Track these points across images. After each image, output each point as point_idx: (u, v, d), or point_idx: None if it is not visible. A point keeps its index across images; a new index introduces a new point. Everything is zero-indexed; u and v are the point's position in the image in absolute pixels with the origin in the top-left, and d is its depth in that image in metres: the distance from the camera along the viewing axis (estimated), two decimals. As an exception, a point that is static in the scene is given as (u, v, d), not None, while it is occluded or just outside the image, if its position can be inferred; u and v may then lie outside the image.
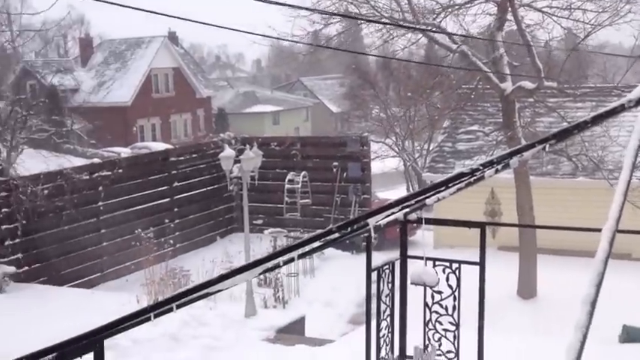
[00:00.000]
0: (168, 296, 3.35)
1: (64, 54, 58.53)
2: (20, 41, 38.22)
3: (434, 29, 13.13)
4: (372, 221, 3.23)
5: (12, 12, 40.80)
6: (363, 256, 4.09)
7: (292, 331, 10.89)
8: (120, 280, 14.98)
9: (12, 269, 12.90)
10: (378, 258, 4.21)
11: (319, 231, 3.12)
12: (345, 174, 18.00)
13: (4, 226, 13.27)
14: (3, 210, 13.25)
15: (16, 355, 3.07)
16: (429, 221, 4.33)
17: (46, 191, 13.86)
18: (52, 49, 57.92)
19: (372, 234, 3.21)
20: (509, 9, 12.66)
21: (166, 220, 16.79)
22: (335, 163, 18.07)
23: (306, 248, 3.02)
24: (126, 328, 3.90)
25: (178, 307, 3.26)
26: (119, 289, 13.86)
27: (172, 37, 50.40)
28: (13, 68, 41.63)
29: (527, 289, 13.26)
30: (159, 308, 3.98)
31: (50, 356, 3.81)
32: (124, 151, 33.57)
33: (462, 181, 3.54)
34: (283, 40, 13.56)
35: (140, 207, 16.22)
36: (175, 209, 17.23)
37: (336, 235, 3.13)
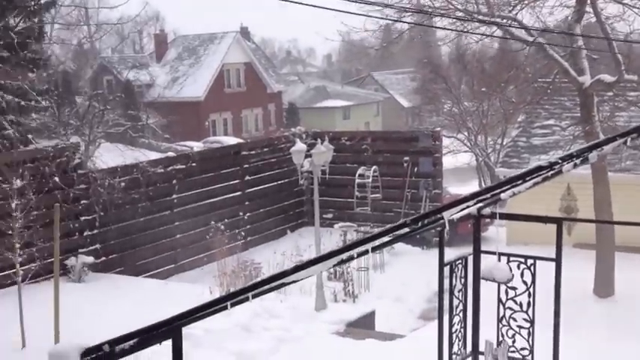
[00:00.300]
0: (245, 286, 3.38)
1: (139, 50, 59.98)
2: (97, 37, 39.48)
3: (508, 22, 12.86)
4: (446, 215, 3.19)
5: (89, 8, 42.10)
6: (434, 252, 4.05)
7: (362, 326, 10.89)
8: (193, 272, 15.27)
9: (90, 259, 13.32)
10: (450, 253, 4.16)
11: (393, 224, 3.10)
12: (416, 169, 17.87)
13: (83, 218, 13.70)
14: (82, 202, 13.67)
15: (97, 340, 3.16)
16: (503, 216, 4.24)
17: (122, 184, 14.24)
18: (127, 45, 59.42)
19: (447, 227, 3.17)
20: (589, 1, 12.30)
21: (238, 214, 17.02)
22: (406, 158, 17.95)
23: (381, 241, 3.01)
24: (203, 317, 3.97)
25: (254, 296, 3.30)
26: (192, 280, 14.13)
27: (244, 33, 51.02)
28: (91, 64, 42.93)
29: (604, 287, 12.88)
30: (235, 297, 4.03)
31: (132, 342, 3.92)
32: (197, 146, 34.22)
33: (540, 175, 3.46)
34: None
35: (212, 200, 16.49)
36: (246, 202, 17.44)
37: (410, 228, 3.10)
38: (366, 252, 2.97)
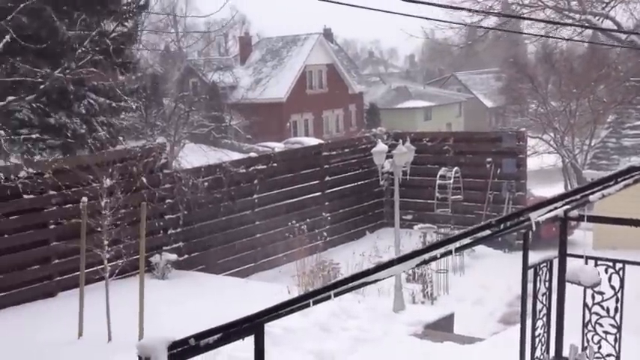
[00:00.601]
0: (327, 284, 3.37)
1: (224, 52, 61.18)
2: (185, 42, 40.50)
3: (601, 19, 12.44)
4: (533, 216, 3.10)
5: (178, 14, 43.22)
6: (515, 255, 3.95)
7: (441, 328, 10.73)
8: (272, 271, 15.42)
9: (174, 257, 13.64)
10: (533, 257, 4.03)
11: (476, 225, 3.02)
12: (499, 170, 17.50)
13: (167, 216, 14.03)
14: (167, 201, 14.00)
15: (181, 335, 3.22)
16: (591, 219, 4.09)
17: (206, 183, 14.51)
18: (213, 47, 60.65)
19: (533, 229, 3.07)
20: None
21: (318, 214, 17.08)
22: (489, 159, 17.60)
23: (463, 242, 2.94)
24: (285, 314, 3.98)
25: (336, 295, 3.28)
26: (271, 279, 14.27)
27: (327, 34, 51.26)
28: (178, 67, 44.03)
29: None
30: (317, 295, 4.02)
31: (215, 336, 3.98)
32: (278, 146, 34.60)
33: (632, 177, 3.31)
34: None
35: (292, 200, 16.61)
36: (326, 203, 17.48)
37: (495, 229, 3.02)
38: (449, 253, 2.92)
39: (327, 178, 17.62)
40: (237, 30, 61.12)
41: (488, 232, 3.05)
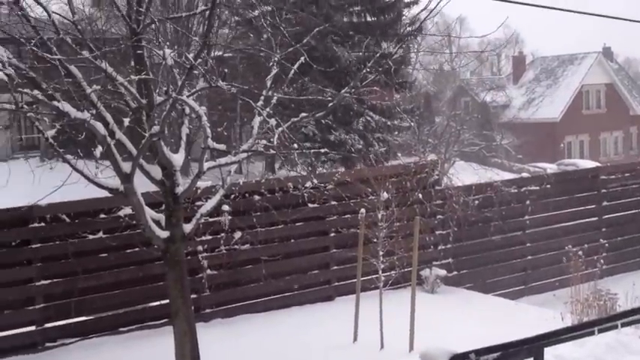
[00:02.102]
0: (615, 313, 3.36)
1: (497, 71, 60.51)
2: (458, 62, 40.87)
3: None
4: None
5: (452, 35, 43.73)
6: None
7: None
8: (542, 295, 14.93)
9: (443, 272, 13.85)
10: None
11: None
12: None
13: (438, 232, 14.31)
14: (438, 217, 14.28)
15: (456, 349, 3.40)
16: None
17: (476, 202, 14.56)
18: (486, 67, 60.31)
19: None
20: None
21: (593, 240, 16.23)
22: None
23: None
24: (566, 340, 3.99)
25: (623, 325, 3.25)
26: (541, 304, 13.84)
27: (607, 53, 48.54)
28: (451, 86, 44.53)
29: None
30: (603, 324, 3.99)
31: (494, 354, 4.11)
32: (550, 167, 33.40)
33: None
34: None
35: (565, 224, 15.98)
36: (603, 229, 16.56)
37: None
38: None
39: (605, 203, 16.69)
40: (510, 49, 60.17)
41: None
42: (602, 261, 15.04)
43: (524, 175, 18.10)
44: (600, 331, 3.13)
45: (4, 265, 10.34)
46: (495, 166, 30.72)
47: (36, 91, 6.82)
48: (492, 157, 31.21)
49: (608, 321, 3.16)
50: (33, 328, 10.56)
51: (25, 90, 6.60)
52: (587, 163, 31.98)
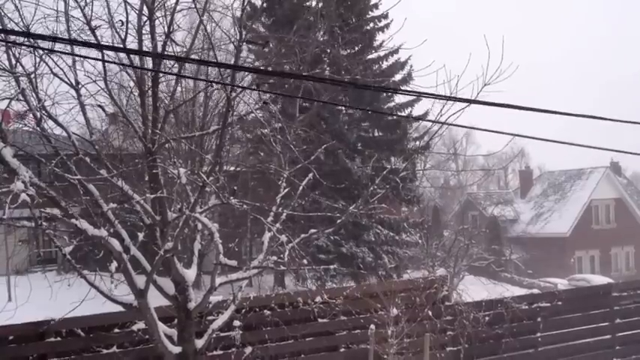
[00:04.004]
0: None
1: (503, 186, 61.13)
2: (465, 176, 41.49)
3: None
4: None
5: (457, 149, 44.60)
6: None
7: None
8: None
9: (455, 391, 13.59)
10: None
11: None
12: None
13: (449, 348, 14.13)
14: (448, 333, 14.15)
15: None
16: None
17: (487, 318, 14.45)
18: (492, 181, 60.98)
19: None
20: None
21: (606, 359, 15.95)
22: None
23: None
24: None
25: None
26: None
27: (615, 167, 49.13)
28: (458, 200, 44.93)
29: None
30: None
31: None
32: (561, 283, 33.19)
33: None
34: None
35: (578, 342, 15.76)
36: (617, 347, 16.29)
37: None
38: None
39: (618, 321, 16.50)
40: (516, 163, 61.06)
41: None
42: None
43: (535, 291, 18.06)
44: None
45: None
46: (505, 280, 30.55)
47: (55, 210, 7.06)
48: (502, 271, 31.09)
49: None
50: None
51: (46, 210, 6.85)
52: (599, 279, 31.76)
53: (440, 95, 7.96)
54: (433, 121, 9.61)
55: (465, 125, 8.87)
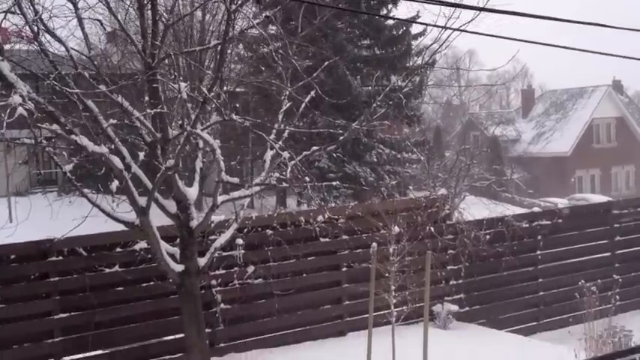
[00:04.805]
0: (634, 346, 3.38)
1: (505, 105, 60.75)
2: (467, 95, 41.12)
3: None
4: None
5: (461, 67, 44.05)
6: None
7: None
8: (556, 332, 14.77)
9: (455, 308, 13.77)
10: None
11: None
12: None
13: (449, 267, 14.25)
14: (449, 251, 14.25)
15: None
16: None
17: (487, 236, 14.51)
18: (494, 101, 60.55)
19: None
20: None
21: (606, 275, 16.11)
22: None
23: None
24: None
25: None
26: (554, 340, 13.72)
27: (617, 86, 48.65)
28: (460, 120, 44.69)
29: None
30: (622, 356, 3.99)
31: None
32: (561, 202, 33.34)
33: None
34: None
35: (578, 259, 15.90)
36: (616, 264, 16.44)
37: None
38: None
39: (618, 238, 16.60)
40: (519, 83, 60.45)
41: None
42: (616, 297, 14.94)
43: (536, 209, 18.04)
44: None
45: (24, 297, 10.42)
46: (506, 200, 30.64)
47: (54, 126, 6.92)
48: (503, 191, 31.16)
49: (627, 354, 3.16)
50: (52, 361, 10.59)
51: (44, 124, 6.70)
52: (599, 198, 31.88)
53: (447, 2, 7.70)
54: (442, 27, 9.35)
55: (471, 31, 8.63)
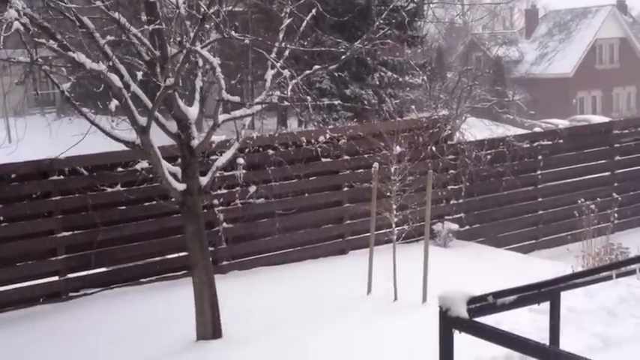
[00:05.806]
0: (632, 257, 3.39)
1: (509, 26, 59.80)
2: (470, 16, 40.38)
3: None
4: None
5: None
6: None
7: None
8: (554, 250, 14.99)
9: (455, 227, 13.92)
10: None
11: None
12: None
13: (450, 186, 14.33)
14: (450, 171, 14.29)
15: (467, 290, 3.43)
16: None
17: (488, 156, 14.54)
18: (498, 21, 59.58)
19: None
20: None
21: (606, 194, 16.23)
22: None
23: None
24: (583, 284, 4.01)
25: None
26: (553, 258, 13.92)
27: (621, 6, 47.78)
28: (463, 40, 44.05)
29: None
30: (622, 266, 4.00)
31: (512, 297, 4.15)
32: (562, 123, 33.22)
33: None
34: None
35: (578, 179, 15.99)
36: (616, 184, 16.53)
37: None
38: None
39: (618, 158, 16.63)
40: (523, 3, 59.31)
41: None
42: (615, 215, 15.08)
43: (537, 129, 18.01)
44: (618, 275, 3.16)
45: (27, 216, 10.52)
46: (507, 122, 30.51)
47: (51, 42, 6.80)
48: (504, 113, 30.98)
49: (626, 264, 3.20)
50: (56, 278, 10.78)
51: (41, 40, 6.58)
52: (600, 119, 31.76)
53: None
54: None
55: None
